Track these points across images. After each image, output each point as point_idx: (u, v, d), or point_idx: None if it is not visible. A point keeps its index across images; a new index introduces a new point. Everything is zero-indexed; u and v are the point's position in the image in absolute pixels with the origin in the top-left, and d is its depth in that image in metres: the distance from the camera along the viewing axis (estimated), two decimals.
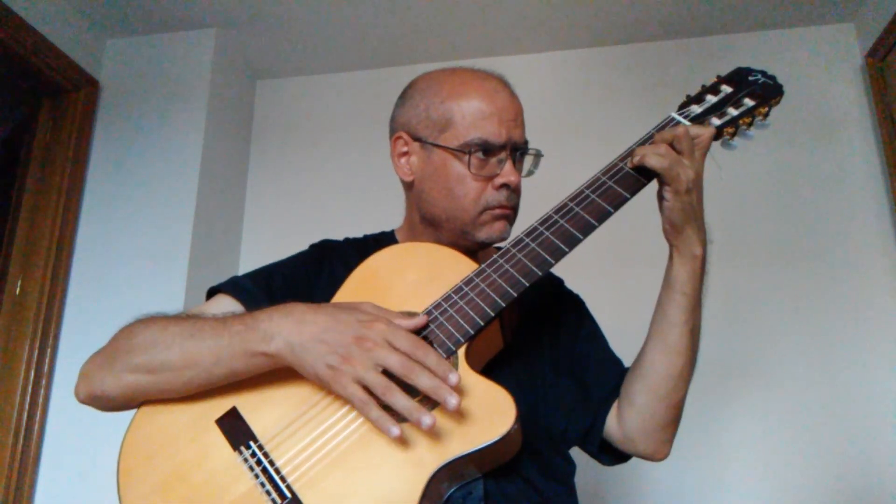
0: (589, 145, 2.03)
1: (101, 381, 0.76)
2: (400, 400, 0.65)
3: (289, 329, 0.70)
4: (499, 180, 0.85)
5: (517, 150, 0.88)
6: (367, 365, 0.67)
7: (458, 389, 0.66)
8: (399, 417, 0.67)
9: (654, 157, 0.75)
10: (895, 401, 1.73)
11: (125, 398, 0.76)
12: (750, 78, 0.87)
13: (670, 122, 0.84)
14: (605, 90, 2.14)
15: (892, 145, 1.84)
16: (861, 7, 1.97)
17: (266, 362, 0.72)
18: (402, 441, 0.68)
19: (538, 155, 0.93)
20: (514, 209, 0.89)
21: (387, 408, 0.67)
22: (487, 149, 0.85)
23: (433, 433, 0.69)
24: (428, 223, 0.92)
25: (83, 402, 0.79)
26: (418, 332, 0.75)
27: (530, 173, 0.94)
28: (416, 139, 0.90)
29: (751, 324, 1.85)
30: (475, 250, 0.91)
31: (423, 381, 0.66)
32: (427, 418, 0.65)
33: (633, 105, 2.08)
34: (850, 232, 1.88)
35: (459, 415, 0.69)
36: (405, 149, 0.92)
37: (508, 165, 0.86)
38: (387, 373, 0.67)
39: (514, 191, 0.88)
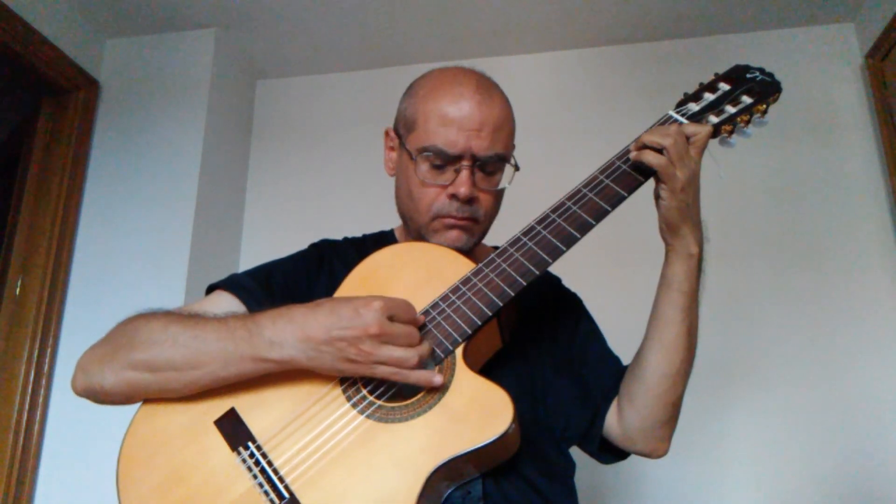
0: (588, 145, 2.03)
1: (101, 375, 0.76)
2: (426, 348, 0.72)
3: (295, 335, 0.70)
4: (449, 190, 0.83)
5: (476, 160, 0.83)
6: (381, 347, 0.69)
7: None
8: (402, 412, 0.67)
9: (652, 155, 0.76)
10: (895, 401, 1.73)
11: (124, 395, 0.76)
12: (748, 75, 0.86)
13: (668, 121, 0.83)
14: (605, 90, 2.14)
15: (892, 145, 1.84)
16: (861, 7, 1.97)
17: (275, 367, 0.72)
18: (399, 458, 0.69)
19: (516, 167, 0.88)
20: (473, 219, 0.85)
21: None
22: (442, 157, 0.82)
23: (431, 433, 0.69)
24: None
25: (80, 394, 0.79)
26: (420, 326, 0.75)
27: (502, 189, 0.89)
28: (398, 135, 0.91)
29: (750, 323, 1.85)
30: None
31: (423, 346, 0.72)
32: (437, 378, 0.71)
33: (633, 105, 2.07)
34: (850, 232, 1.87)
35: (458, 414, 0.70)
36: (391, 143, 0.93)
37: (463, 176, 0.82)
38: None
39: (468, 202, 0.83)
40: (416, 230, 0.89)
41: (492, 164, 0.85)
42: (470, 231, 0.86)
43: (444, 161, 0.83)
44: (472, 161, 0.83)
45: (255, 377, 0.74)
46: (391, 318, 0.70)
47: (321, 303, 0.73)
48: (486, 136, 0.83)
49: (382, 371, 0.70)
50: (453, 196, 0.83)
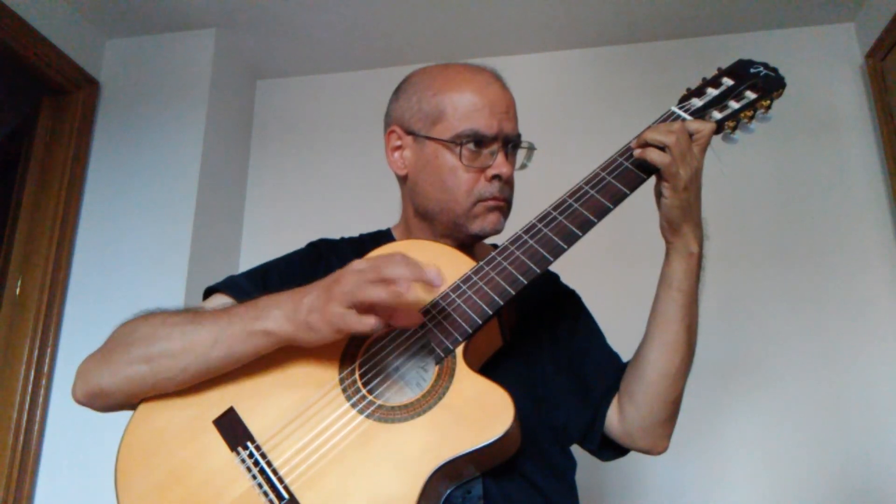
0: (589, 145, 2.02)
1: (99, 376, 0.76)
2: (395, 268, 0.65)
3: (284, 303, 0.71)
4: (491, 171, 0.85)
5: (509, 142, 0.88)
6: (351, 287, 0.66)
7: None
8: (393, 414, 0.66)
9: (656, 153, 0.75)
10: (895, 400, 1.72)
11: (122, 393, 0.76)
12: (751, 70, 0.86)
13: (670, 117, 0.83)
14: (605, 90, 2.14)
15: (892, 145, 1.83)
16: (861, 7, 1.97)
17: (265, 341, 0.71)
18: (399, 459, 0.68)
19: (531, 148, 0.93)
20: (507, 201, 0.89)
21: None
22: (479, 140, 0.85)
23: (431, 433, 0.68)
24: (422, 217, 0.92)
25: (80, 401, 0.79)
26: (415, 331, 0.75)
27: (523, 166, 0.94)
28: (409, 133, 0.90)
29: (750, 322, 1.85)
30: (470, 244, 0.91)
31: (400, 270, 0.65)
32: (432, 272, 0.65)
33: (633, 105, 2.07)
34: (850, 232, 1.87)
35: (458, 414, 0.69)
36: (399, 143, 0.92)
37: (500, 157, 0.86)
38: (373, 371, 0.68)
39: (507, 183, 0.87)
40: (451, 221, 0.88)
41: (516, 145, 0.90)
42: (505, 213, 0.90)
43: (480, 145, 0.85)
44: (504, 142, 0.87)
45: (249, 360, 0.73)
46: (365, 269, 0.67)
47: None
48: (512, 118, 0.89)
49: (335, 310, 0.65)
50: (495, 177, 0.86)
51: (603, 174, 0.80)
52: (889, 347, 1.76)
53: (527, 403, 0.81)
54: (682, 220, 0.78)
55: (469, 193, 0.86)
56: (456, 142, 0.85)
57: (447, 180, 0.86)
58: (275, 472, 0.69)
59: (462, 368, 0.72)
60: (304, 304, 0.69)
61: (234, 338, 0.71)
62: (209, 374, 0.74)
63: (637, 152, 0.78)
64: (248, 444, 0.71)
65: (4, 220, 2.07)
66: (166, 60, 2.12)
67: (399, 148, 0.92)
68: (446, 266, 0.79)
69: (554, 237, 0.77)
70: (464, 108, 0.85)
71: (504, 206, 0.88)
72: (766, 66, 0.86)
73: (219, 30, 2.12)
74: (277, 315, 0.70)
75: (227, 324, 0.72)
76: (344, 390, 0.73)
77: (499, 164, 0.85)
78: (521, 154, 0.93)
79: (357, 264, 0.68)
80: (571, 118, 2.12)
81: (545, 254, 0.76)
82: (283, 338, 0.71)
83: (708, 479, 1.75)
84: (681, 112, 0.83)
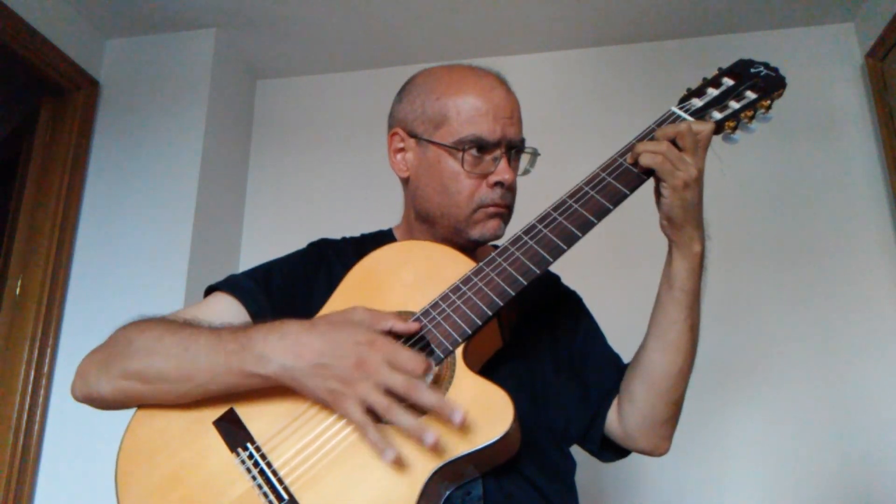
0: (589, 145, 2.02)
1: (97, 383, 0.77)
2: (402, 418, 0.65)
3: (284, 353, 0.69)
4: (493, 178, 0.85)
5: (512, 147, 0.87)
6: (368, 388, 0.66)
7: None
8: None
9: (648, 156, 0.75)
10: (895, 400, 1.72)
11: (120, 402, 0.77)
12: (752, 70, 0.86)
13: (670, 117, 0.83)
14: (605, 90, 2.14)
15: (892, 145, 1.83)
16: (861, 7, 1.97)
17: (262, 382, 0.71)
18: (398, 459, 0.68)
19: (535, 153, 0.92)
20: (509, 208, 0.89)
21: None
22: (482, 146, 0.84)
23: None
24: (423, 220, 0.91)
25: (80, 401, 0.80)
26: (416, 333, 0.75)
27: (526, 172, 0.93)
28: (412, 135, 0.89)
29: (751, 322, 1.85)
30: (471, 248, 0.90)
31: (427, 398, 0.65)
32: (430, 436, 0.64)
33: (633, 105, 2.07)
34: (850, 232, 1.87)
35: None
36: (401, 145, 0.91)
37: (503, 163, 0.85)
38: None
39: (509, 189, 0.87)
40: (451, 226, 0.87)
41: (519, 151, 0.89)
42: (505, 220, 0.89)
43: (483, 150, 0.84)
44: (508, 148, 0.86)
45: (245, 390, 0.73)
46: (391, 365, 0.66)
47: (317, 323, 0.72)
48: (516, 123, 0.87)
49: (353, 413, 0.66)
50: (497, 184, 0.85)
51: (602, 175, 0.80)
52: (889, 347, 1.76)
53: (526, 404, 0.81)
54: (684, 220, 0.77)
55: (470, 199, 0.85)
56: (458, 147, 0.84)
57: (449, 185, 0.85)
58: (274, 473, 0.69)
59: (462, 369, 0.72)
60: (309, 369, 0.68)
61: (233, 376, 0.71)
62: (208, 397, 0.74)
63: (640, 164, 0.77)
64: (248, 445, 0.71)
65: (4, 220, 2.07)
66: (166, 60, 2.12)
67: (401, 150, 0.92)
68: (446, 267, 0.79)
69: (554, 238, 0.77)
70: (467, 112, 0.84)
71: (505, 212, 0.88)
72: (766, 65, 0.86)
73: (219, 30, 2.12)
74: (275, 366, 0.69)
75: (223, 360, 0.71)
76: None
77: (501, 171, 0.84)
78: (524, 159, 0.92)
79: (378, 353, 0.67)
80: (571, 118, 2.12)
81: (545, 255, 0.76)
82: (279, 383, 0.70)
83: (708, 480, 1.75)
84: (681, 112, 0.83)
